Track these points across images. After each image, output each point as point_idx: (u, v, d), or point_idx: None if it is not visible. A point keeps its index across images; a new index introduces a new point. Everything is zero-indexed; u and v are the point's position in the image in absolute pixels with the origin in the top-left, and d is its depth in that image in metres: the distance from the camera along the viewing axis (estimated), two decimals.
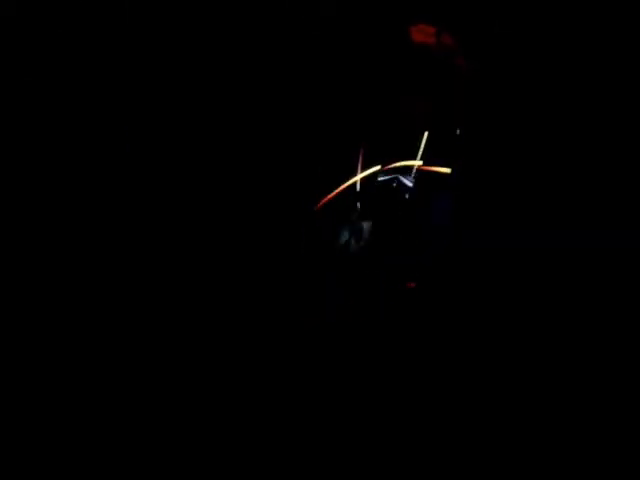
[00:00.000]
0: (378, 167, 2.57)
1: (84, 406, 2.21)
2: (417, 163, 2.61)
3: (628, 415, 2.28)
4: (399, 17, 2.49)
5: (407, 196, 2.63)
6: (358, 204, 2.57)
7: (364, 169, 2.54)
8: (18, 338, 2.17)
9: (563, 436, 2.30)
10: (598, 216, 2.38)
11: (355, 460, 2.28)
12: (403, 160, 2.62)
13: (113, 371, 2.26)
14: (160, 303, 2.35)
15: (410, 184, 2.64)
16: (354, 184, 2.54)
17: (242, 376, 2.35)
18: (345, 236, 2.57)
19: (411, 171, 2.62)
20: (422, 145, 2.59)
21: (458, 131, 2.57)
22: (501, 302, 2.45)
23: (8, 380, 2.14)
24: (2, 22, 2.15)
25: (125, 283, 2.35)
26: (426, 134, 2.58)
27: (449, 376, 2.42)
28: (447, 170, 2.57)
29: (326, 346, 2.42)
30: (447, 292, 2.54)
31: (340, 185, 2.51)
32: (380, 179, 2.58)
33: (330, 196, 2.51)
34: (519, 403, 2.36)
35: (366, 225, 2.60)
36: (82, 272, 2.30)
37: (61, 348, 2.24)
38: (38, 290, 2.21)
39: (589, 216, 2.39)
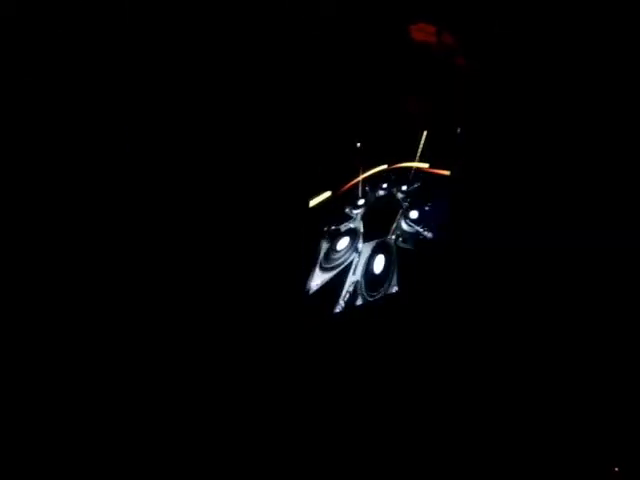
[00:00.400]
0: (385, 166, 2.56)
1: (84, 407, 2.22)
2: (421, 165, 2.60)
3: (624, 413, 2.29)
4: (399, 16, 2.49)
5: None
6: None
7: (365, 168, 2.54)
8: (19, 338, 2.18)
9: (559, 435, 2.31)
10: (597, 217, 2.38)
11: (354, 459, 2.29)
12: (404, 160, 2.61)
13: (113, 372, 2.27)
14: (160, 303, 2.35)
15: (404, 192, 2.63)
16: (355, 186, 2.53)
17: (242, 376, 2.36)
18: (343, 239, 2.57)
19: (407, 179, 2.61)
20: (421, 144, 2.59)
21: (458, 130, 2.57)
22: (499, 301, 2.45)
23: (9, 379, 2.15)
24: (2, 22, 2.15)
25: (124, 282, 2.35)
26: (425, 133, 2.58)
27: (448, 373, 2.43)
28: (446, 172, 2.57)
29: (326, 345, 2.43)
30: (446, 292, 2.54)
31: (341, 186, 2.50)
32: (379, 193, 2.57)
33: (331, 196, 2.50)
34: (515, 400, 2.36)
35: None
36: (81, 271, 2.30)
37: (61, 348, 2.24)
38: (36, 289, 2.21)
39: (589, 217, 2.39)
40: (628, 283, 2.39)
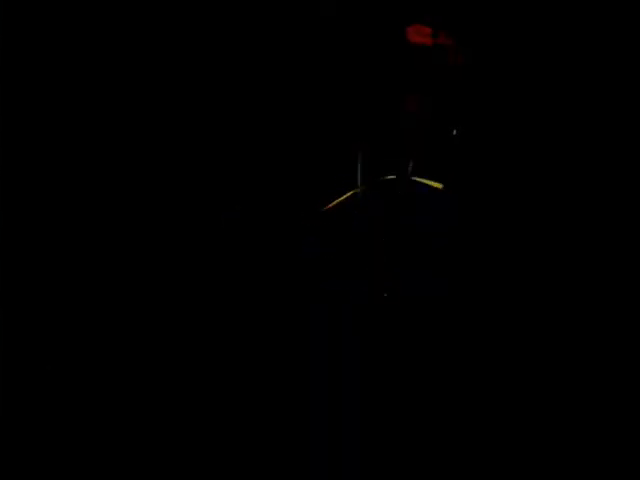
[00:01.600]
0: (394, 177, 2.55)
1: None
2: (435, 184, 2.56)
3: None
4: (397, 18, 2.50)
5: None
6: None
7: (364, 173, 2.53)
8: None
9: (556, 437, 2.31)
10: (597, 219, 2.39)
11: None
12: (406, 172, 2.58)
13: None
14: (160, 304, 2.35)
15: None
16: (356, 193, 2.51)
17: (241, 376, 2.35)
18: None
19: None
20: (421, 148, 2.58)
21: (455, 132, 2.57)
22: (500, 306, 2.44)
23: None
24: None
25: (123, 285, 2.34)
26: (424, 137, 2.58)
27: (447, 378, 2.42)
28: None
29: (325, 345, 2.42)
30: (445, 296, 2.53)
31: (340, 195, 2.49)
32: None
33: (330, 206, 2.49)
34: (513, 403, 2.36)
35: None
36: (80, 272, 2.30)
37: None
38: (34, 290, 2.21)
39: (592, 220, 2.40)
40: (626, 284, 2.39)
